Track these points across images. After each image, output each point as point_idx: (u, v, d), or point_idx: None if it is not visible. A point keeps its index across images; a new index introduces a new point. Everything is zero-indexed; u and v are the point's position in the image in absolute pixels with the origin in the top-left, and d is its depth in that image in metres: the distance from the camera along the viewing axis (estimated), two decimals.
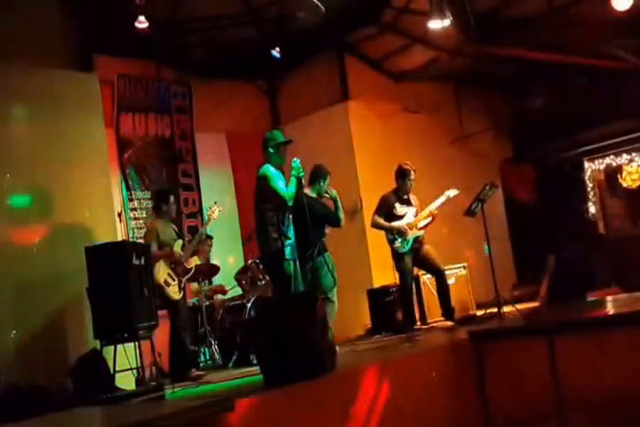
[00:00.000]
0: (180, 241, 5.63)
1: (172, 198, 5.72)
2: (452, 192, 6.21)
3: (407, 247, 6.02)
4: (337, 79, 8.09)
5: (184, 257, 5.56)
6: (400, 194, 6.20)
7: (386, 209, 6.13)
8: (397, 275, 6.20)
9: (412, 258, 6.06)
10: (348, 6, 6.95)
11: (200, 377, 5.17)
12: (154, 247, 5.39)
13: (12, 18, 5.59)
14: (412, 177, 6.16)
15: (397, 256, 6.08)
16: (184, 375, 5.17)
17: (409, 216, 6.13)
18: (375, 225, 6.17)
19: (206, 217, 5.97)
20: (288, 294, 4.67)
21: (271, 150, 4.85)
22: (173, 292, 5.41)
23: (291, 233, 4.79)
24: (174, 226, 5.82)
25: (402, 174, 6.18)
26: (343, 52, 8.07)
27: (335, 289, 5.29)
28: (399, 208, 6.13)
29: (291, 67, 8.12)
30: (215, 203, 5.94)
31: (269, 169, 4.79)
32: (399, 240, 6.03)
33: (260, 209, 4.78)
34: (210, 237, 6.64)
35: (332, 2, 6.45)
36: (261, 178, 4.77)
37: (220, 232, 7.13)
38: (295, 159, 4.81)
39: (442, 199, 6.18)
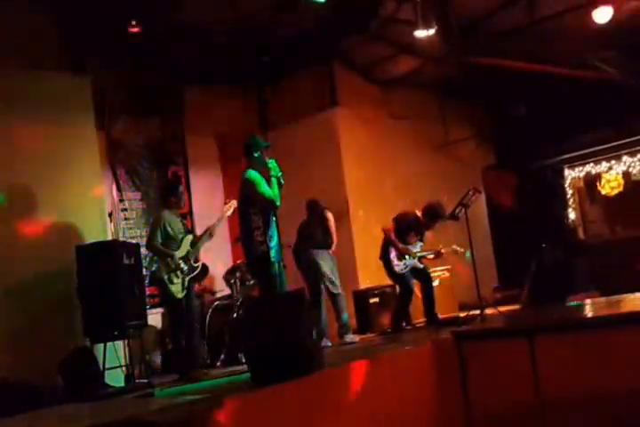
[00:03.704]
0: (190, 236, 5.40)
1: (180, 188, 5.52)
2: (459, 248, 6.48)
3: (405, 270, 6.25)
4: (325, 86, 8.20)
5: (192, 254, 5.35)
6: (421, 227, 6.36)
7: (402, 229, 6.26)
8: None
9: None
10: (337, 15, 7.08)
11: (199, 378, 5.02)
12: (158, 238, 5.20)
13: (4, 20, 5.63)
14: (440, 221, 6.35)
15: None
16: (183, 375, 5.09)
17: (415, 247, 6.32)
18: (385, 232, 6.28)
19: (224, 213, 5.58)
20: (274, 295, 4.76)
21: (256, 155, 4.95)
22: (176, 291, 5.17)
23: (275, 235, 4.86)
24: (183, 220, 5.61)
25: (434, 215, 6.32)
26: (331, 59, 8.20)
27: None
28: (411, 237, 6.29)
29: (280, 73, 8.22)
30: (230, 200, 5.59)
31: (255, 174, 4.88)
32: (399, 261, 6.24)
33: (245, 213, 4.85)
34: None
35: (320, 10, 6.59)
36: (247, 183, 4.85)
37: None
38: (271, 160, 4.91)
39: (449, 249, 6.49)
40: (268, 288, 4.85)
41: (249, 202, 4.84)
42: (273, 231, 4.83)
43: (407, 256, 6.24)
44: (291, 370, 3.76)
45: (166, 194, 5.53)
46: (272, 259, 4.77)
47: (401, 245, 6.19)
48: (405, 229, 6.27)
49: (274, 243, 4.80)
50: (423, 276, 6.35)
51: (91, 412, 4.10)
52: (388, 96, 8.56)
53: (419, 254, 6.36)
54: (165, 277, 5.17)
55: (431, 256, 6.49)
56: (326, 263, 6.20)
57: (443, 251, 6.46)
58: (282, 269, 4.92)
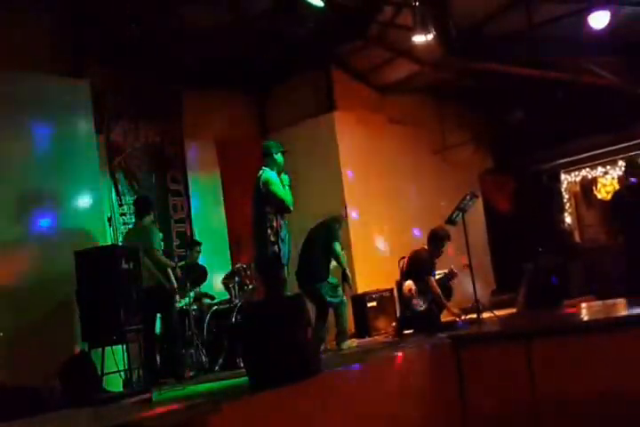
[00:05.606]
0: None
1: (153, 204, 5.81)
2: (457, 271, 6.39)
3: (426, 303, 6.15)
4: (323, 90, 8.23)
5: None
6: (434, 260, 6.29)
7: (423, 274, 6.15)
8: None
9: None
10: (336, 20, 7.13)
11: (193, 378, 5.16)
12: (159, 246, 5.43)
13: (3, 22, 5.65)
14: (446, 244, 6.29)
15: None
16: (179, 376, 5.18)
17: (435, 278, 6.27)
18: (433, 288, 6.11)
19: None
20: (281, 297, 4.75)
21: (276, 157, 5.02)
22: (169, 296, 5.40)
23: (287, 238, 4.86)
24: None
25: (439, 239, 6.26)
26: (330, 64, 8.23)
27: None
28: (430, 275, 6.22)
29: (279, 77, 8.26)
30: None
31: (271, 173, 4.90)
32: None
33: (261, 212, 4.82)
34: (199, 244, 6.62)
35: (319, 15, 6.64)
36: (263, 182, 4.84)
37: (208, 238, 7.23)
38: (285, 174, 5.01)
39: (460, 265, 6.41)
40: (275, 290, 4.84)
41: (265, 201, 4.82)
42: (285, 234, 4.84)
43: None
44: (289, 374, 3.78)
45: (143, 213, 5.71)
46: (283, 261, 4.78)
47: (444, 301, 6.10)
48: (428, 272, 6.14)
49: (285, 246, 4.81)
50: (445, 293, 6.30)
51: (89, 417, 4.10)
52: (386, 100, 8.60)
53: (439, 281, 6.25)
54: (160, 283, 5.32)
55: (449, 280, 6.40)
56: (330, 289, 6.09)
57: (455, 270, 6.36)
58: (289, 272, 4.93)
